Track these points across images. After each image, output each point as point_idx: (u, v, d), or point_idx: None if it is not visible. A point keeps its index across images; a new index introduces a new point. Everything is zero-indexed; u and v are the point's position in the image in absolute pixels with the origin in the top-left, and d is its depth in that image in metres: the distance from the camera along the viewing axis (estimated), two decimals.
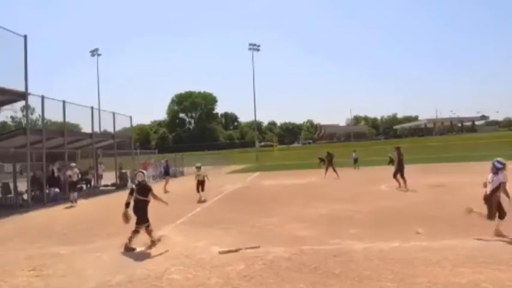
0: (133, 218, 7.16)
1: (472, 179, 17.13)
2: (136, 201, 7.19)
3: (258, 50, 69.92)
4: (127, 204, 7.19)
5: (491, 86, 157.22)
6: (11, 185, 17.13)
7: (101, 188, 22.23)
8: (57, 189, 16.90)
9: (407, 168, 15.30)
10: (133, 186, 7.39)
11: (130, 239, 6.99)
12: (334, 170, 21.78)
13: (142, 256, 6.53)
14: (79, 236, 8.61)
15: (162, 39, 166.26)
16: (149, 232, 7.19)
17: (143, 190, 7.24)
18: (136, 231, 7.07)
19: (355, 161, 30.82)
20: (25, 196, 15.69)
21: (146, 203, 7.22)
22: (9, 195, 16.27)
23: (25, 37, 14.56)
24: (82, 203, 15.26)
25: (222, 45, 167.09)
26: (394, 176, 14.86)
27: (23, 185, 16.62)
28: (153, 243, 7.12)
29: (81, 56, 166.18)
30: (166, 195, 15.30)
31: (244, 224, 9.05)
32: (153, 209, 7.85)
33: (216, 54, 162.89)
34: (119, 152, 24.23)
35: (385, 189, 14.94)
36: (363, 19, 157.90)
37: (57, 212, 13.27)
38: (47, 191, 16.47)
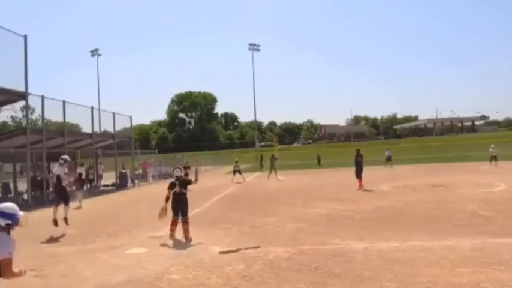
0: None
1: (472, 179, 17.18)
2: (179, 194, 7.64)
3: (258, 50, 70.22)
4: (167, 199, 7.64)
5: (491, 86, 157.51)
6: (11, 185, 17.14)
7: (101, 188, 22.24)
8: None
9: (408, 168, 15.29)
10: (174, 181, 7.75)
11: (186, 232, 7.40)
12: (275, 172, 23.72)
13: (143, 256, 6.53)
14: (79, 236, 8.61)
15: (162, 39, 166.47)
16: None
17: (184, 184, 7.73)
18: (186, 223, 7.49)
19: (389, 158, 30.00)
20: (25, 196, 15.69)
21: (186, 195, 7.76)
22: (9, 195, 16.27)
23: (25, 37, 14.56)
24: (82, 203, 15.24)
25: (222, 45, 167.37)
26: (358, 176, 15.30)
27: (23, 185, 16.62)
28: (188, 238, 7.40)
29: (81, 56, 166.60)
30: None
31: (244, 224, 9.04)
32: (154, 208, 7.83)
33: (216, 54, 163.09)
34: (118, 152, 24.24)
35: (385, 189, 14.95)
36: (363, 19, 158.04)
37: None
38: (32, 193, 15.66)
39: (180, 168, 8.11)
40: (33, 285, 5.33)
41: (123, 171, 24.37)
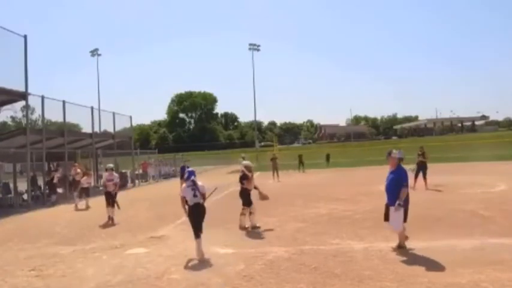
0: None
1: (472, 179, 17.15)
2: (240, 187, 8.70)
3: (258, 50, 70.02)
4: (255, 187, 8.76)
5: (491, 86, 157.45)
6: (11, 185, 17.14)
7: (101, 188, 22.20)
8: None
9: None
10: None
11: (242, 220, 8.36)
12: (277, 174, 23.25)
13: (143, 256, 6.53)
14: (79, 236, 8.61)
15: (162, 39, 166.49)
16: (251, 214, 8.43)
17: (240, 178, 8.75)
18: (243, 214, 8.42)
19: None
20: (25, 196, 15.69)
21: (245, 189, 8.58)
22: (9, 195, 16.27)
23: (25, 37, 14.57)
24: (82, 203, 15.24)
25: (222, 45, 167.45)
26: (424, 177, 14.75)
27: (23, 185, 16.61)
28: (256, 227, 8.31)
29: (81, 56, 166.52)
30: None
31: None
32: (154, 208, 7.82)
33: (216, 54, 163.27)
34: (118, 152, 24.23)
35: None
36: (363, 19, 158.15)
37: (57, 212, 13.28)
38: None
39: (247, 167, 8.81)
40: (33, 285, 5.33)
41: (123, 171, 24.34)
